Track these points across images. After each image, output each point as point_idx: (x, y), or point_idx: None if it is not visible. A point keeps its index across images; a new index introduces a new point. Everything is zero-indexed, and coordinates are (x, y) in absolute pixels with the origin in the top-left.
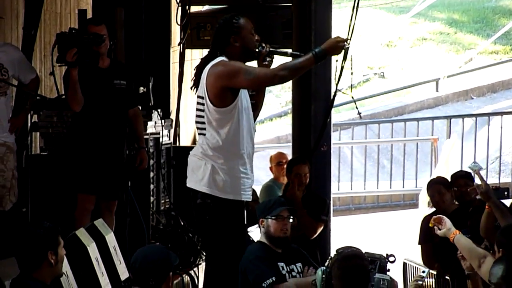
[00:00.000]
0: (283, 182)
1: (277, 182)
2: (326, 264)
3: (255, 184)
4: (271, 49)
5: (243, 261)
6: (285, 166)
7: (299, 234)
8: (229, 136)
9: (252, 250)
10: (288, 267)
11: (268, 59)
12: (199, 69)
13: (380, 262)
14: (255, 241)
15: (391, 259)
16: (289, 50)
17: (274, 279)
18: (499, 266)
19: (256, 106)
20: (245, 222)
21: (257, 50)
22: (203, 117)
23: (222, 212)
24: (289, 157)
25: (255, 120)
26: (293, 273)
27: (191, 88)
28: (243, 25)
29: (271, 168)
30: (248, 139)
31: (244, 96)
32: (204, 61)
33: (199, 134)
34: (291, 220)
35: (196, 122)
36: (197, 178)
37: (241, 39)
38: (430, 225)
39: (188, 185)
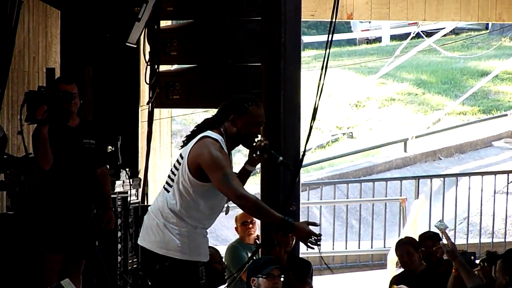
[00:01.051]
0: (249, 242)
1: (243, 242)
2: None
3: (222, 244)
4: (266, 147)
5: None
6: (250, 226)
7: None
8: (188, 207)
9: None
10: None
11: (259, 153)
12: (196, 130)
13: None
14: None
15: None
16: (281, 158)
17: None
18: None
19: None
20: (202, 281)
21: (254, 143)
22: (175, 174)
23: (181, 273)
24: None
25: None
26: None
27: (182, 143)
28: (250, 113)
29: (236, 228)
30: (208, 217)
31: None
32: (204, 125)
33: (164, 188)
34: (282, 279)
35: (169, 175)
36: (152, 239)
37: (241, 124)
38: None
39: (140, 243)
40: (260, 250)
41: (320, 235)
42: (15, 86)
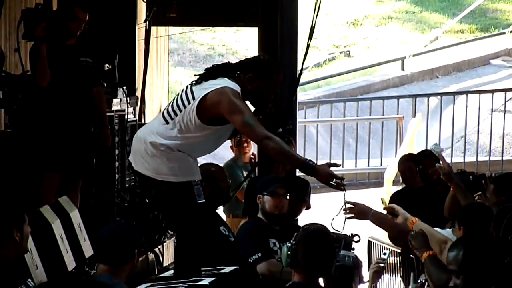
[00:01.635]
0: (244, 161)
1: (238, 161)
2: (291, 240)
3: (218, 162)
4: (272, 112)
5: (237, 236)
6: (245, 145)
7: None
8: (184, 143)
9: (245, 227)
10: (281, 244)
11: (261, 117)
12: (213, 71)
13: (345, 240)
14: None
15: (355, 238)
16: (280, 129)
17: (260, 255)
18: (456, 249)
19: None
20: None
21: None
22: (180, 110)
23: (177, 194)
24: None
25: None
26: None
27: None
28: (271, 80)
29: (231, 147)
30: (199, 154)
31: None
32: (222, 68)
33: (163, 116)
34: (287, 197)
35: (172, 106)
36: (145, 165)
37: (257, 86)
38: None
39: (135, 167)
40: (257, 168)
41: (342, 178)
42: (12, 3)
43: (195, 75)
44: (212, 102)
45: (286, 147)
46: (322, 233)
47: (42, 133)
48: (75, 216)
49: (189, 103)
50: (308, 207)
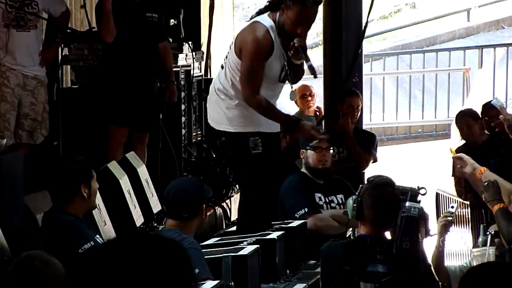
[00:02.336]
0: (308, 114)
1: (303, 115)
2: (357, 192)
3: None
4: (300, 46)
5: (281, 191)
6: (309, 98)
7: (350, 166)
8: (237, 84)
9: (290, 180)
10: (327, 198)
11: (291, 52)
12: (260, 10)
13: (411, 192)
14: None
15: (422, 191)
16: (311, 62)
17: (306, 210)
18: None
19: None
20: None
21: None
22: (228, 53)
23: (233, 145)
24: (314, 89)
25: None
26: (332, 204)
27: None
28: (296, 10)
29: (295, 101)
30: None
31: (272, 67)
32: (267, 5)
33: (221, 64)
34: (330, 151)
35: (227, 52)
36: (211, 115)
37: (287, 17)
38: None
39: (208, 120)
40: (324, 121)
41: (325, 132)
42: None
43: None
44: (241, 37)
45: (268, 107)
46: (388, 184)
47: (109, 88)
48: (143, 172)
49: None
50: (375, 160)
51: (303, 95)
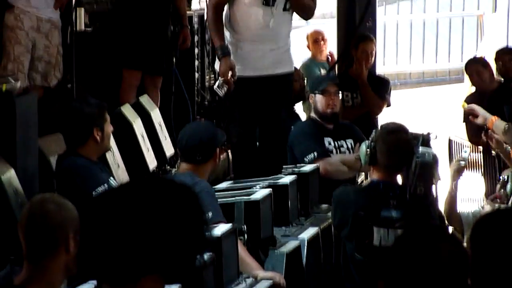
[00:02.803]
0: (321, 59)
1: (315, 60)
2: (370, 138)
3: (296, 63)
4: None
5: (290, 137)
6: (321, 43)
7: (364, 111)
8: (232, 19)
9: (299, 126)
10: (336, 143)
11: None
12: None
13: (423, 137)
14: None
15: (433, 136)
16: None
17: (316, 154)
18: None
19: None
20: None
21: None
22: None
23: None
24: (327, 34)
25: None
26: (342, 149)
27: None
28: None
29: (308, 46)
30: (252, 32)
31: None
32: None
33: None
34: (339, 95)
35: None
36: None
37: None
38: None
39: None
40: (337, 66)
41: (225, 87)
42: None
43: None
44: None
45: (214, 26)
46: (401, 130)
47: (123, 31)
48: (156, 115)
49: None
50: (389, 105)
51: (316, 40)
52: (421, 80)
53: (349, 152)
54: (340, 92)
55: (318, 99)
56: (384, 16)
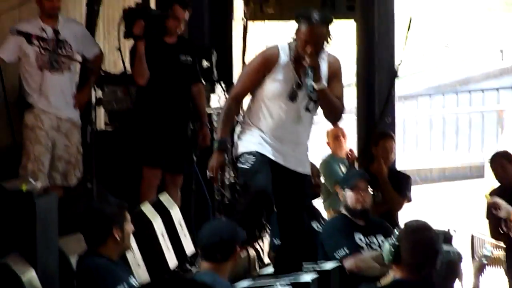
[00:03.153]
0: (341, 155)
1: (335, 156)
2: (394, 237)
3: (315, 160)
4: (311, 67)
5: (322, 233)
6: (341, 139)
7: (385, 208)
8: (253, 111)
9: (330, 222)
10: (367, 239)
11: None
12: None
13: (445, 235)
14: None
15: (451, 231)
16: (311, 83)
17: (347, 251)
18: None
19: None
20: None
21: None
22: None
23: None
24: (346, 131)
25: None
26: (373, 245)
27: None
28: (301, 30)
29: (328, 143)
30: (274, 127)
31: (275, 82)
32: None
33: None
34: (369, 191)
35: None
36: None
37: (297, 39)
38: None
39: None
40: (358, 163)
41: (219, 183)
42: (111, 2)
43: None
44: None
45: (226, 116)
46: (425, 228)
47: (143, 130)
48: (176, 213)
49: None
50: (409, 201)
51: (336, 136)
52: (442, 176)
53: (380, 248)
54: (371, 188)
55: (348, 195)
56: (403, 112)
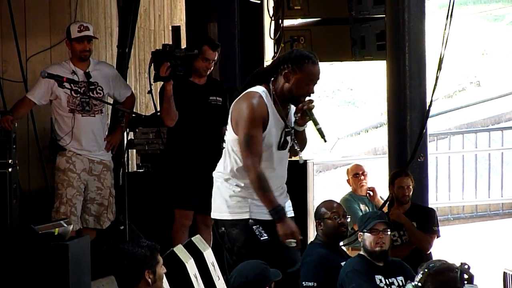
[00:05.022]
0: (361, 194)
1: (355, 194)
2: (416, 279)
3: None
4: (308, 110)
5: (341, 274)
6: (361, 177)
7: (412, 249)
8: (235, 165)
9: (350, 263)
10: (387, 280)
11: (298, 115)
12: (248, 82)
13: (465, 273)
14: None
15: (466, 267)
16: (319, 125)
17: None
18: None
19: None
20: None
21: (301, 101)
22: (226, 128)
23: (234, 234)
24: (366, 168)
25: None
26: (393, 287)
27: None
28: (305, 70)
29: (348, 181)
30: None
31: (271, 134)
32: (255, 76)
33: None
34: (388, 233)
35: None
36: (212, 204)
37: (294, 81)
38: None
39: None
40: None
41: (299, 244)
42: (142, 44)
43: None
44: (235, 109)
45: (265, 183)
46: (449, 270)
47: (174, 171)
48: (209, 255)
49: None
50: (438, 236)
51: (356, 174)
52: (474, 214)
53: None
54: (389, 229)
55: (367, 237)
56: (436, 151)
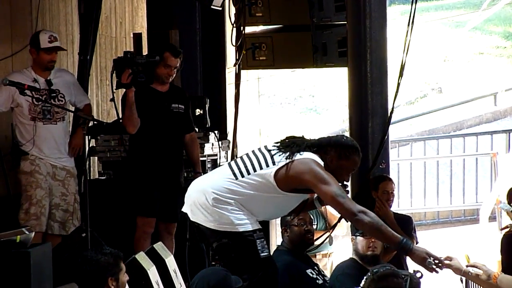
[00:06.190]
0: None
1: None
2: (361, 284)
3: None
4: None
5: (331, 278)
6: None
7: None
8: (253, 204)
9: (340, 267)
10: None
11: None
12: (296, 145)
13: (411, 279)
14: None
15: (418, 275)
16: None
17: None
18: None
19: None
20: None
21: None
22: (254, 169)
23: (241, 245)
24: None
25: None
26: None
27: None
28: (351, 161)
29: None
30: (263, 217)
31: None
32: (303, 142)
33: (231, 169)
34: None
35: (244, 163)
36: (210, 217)
37: (336, 166)
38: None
39: (192, 219)
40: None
41: (439, 259)
42: (103, 52)
43: (275, 143)
44: (297, 171)
45: (380, 223)
46: (393, 275)
47: (136, 179)
48: (171, 262)
49: (267, 166)
50: (416, 242)
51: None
52: (436, 220)
53: None
54: None
55: (359, 241)
56: (397, 157)
